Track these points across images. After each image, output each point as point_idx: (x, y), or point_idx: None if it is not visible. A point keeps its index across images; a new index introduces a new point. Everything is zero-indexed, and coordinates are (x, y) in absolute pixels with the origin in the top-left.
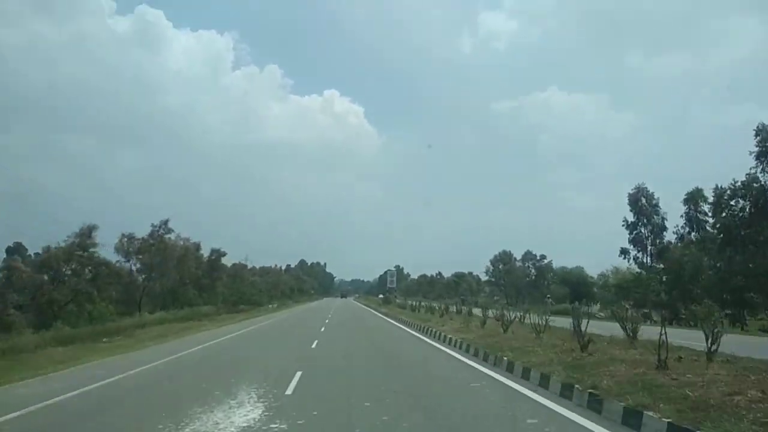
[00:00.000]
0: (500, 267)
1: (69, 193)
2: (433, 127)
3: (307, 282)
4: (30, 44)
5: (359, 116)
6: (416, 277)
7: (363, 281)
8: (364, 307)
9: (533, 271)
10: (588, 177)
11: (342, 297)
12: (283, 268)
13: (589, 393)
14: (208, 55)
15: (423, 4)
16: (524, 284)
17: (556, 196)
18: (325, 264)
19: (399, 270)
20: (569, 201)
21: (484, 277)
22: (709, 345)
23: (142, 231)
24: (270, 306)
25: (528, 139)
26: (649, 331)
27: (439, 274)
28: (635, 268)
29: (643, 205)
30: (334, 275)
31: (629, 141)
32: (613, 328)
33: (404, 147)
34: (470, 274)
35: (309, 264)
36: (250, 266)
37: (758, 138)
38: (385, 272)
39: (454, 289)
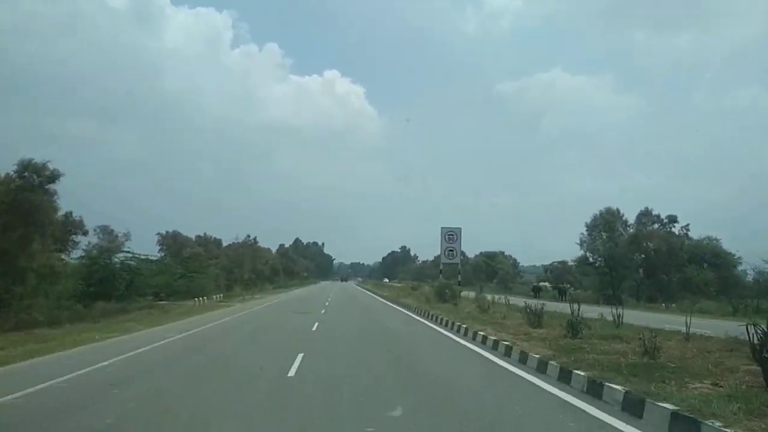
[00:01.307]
0: (603, 236)
1: (66, 174)
2: (435, 108)
3: (299, 263)
4: (24, 22)
5: (360, 97)
6: (431, 259)
7: (363, 265)
8: (391, 306)
9: (650, 244)
10: (591, 158)
11: (342, 281)
12: (274, 248)
13: None
14: (207, 33)
15: None
16: (637, 262)
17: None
18: (323, 244)
19: (405, 252)
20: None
21: (577, 252)
22: None
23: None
24: (197, 301)
25: (530, 120)
26: None
27: (463, 254)
28: None
29: None
30: (333, 257)
31: (633, 122)
32: None
33: (406, 128)
34: (502, 253)
35: (305, 243)
36: (228, 243)
37: None
38: (443, 232)
39: (485, 272)
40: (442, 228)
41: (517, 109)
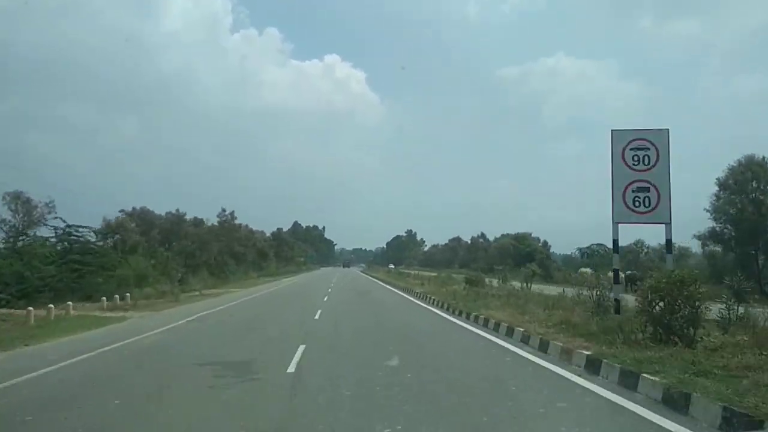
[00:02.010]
0: (739, 199)
1: (63, 160)
2: (437, 92)
3: (296, 247)
4: (20, 6)
5: (361, 82)
6: (446, 242)
7: (365, 250)
8: (488, 340)
9: None
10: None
11: (344, 266)
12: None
13: None
14: (206, 17)
15: None
16: None
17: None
18: (323, 228)
19: (411, 236)
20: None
21: (707, 222)
22: None
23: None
24: (32, 315)
25: (533, 104)
26: None
27: (483, 236)
28: None
29: None
30: (335, 243)
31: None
32: None
33: (407, 113)
34: (530, 235)
35: (304, 227)
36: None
37: None
38: (617, 140)
39: (512, 256)
40: (613, 132)
41: (520, 94)
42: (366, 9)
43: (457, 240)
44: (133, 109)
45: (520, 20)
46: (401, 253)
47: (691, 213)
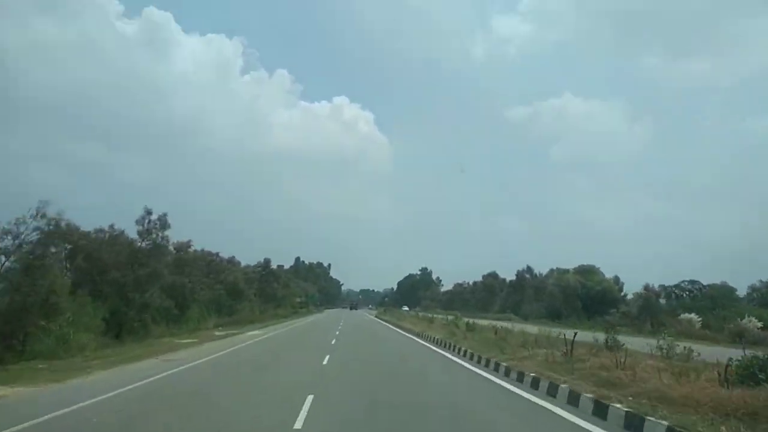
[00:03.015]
0: None
1: (74, 199)
2: (446, 133)
3: (293, 285)
4: (34, 47)
5: (369, 123)
6: (478, 280)
7: (374, 291)
8: None
9: None
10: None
11: (351, 308)
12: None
13: None
14: (217, 59)
15: (435, 8)
16: None
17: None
18: (329, 266)
19: (426, 274)
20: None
21: None
22: None
23: None
24: None
25: (541, 146)
26: None
27: (529, 270)
28: None
29: None
30: (341, 282)
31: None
32: None
33: (415, 153)
34: (598, 269)
35: (307, 264)
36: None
37: None
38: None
39: (580, 297)
40: None
41: (528, 134)
42: (374, 51)
43: (493, 276)
44: (141, 148)
45: (525, 61)
46: (416, 293)
47: None
